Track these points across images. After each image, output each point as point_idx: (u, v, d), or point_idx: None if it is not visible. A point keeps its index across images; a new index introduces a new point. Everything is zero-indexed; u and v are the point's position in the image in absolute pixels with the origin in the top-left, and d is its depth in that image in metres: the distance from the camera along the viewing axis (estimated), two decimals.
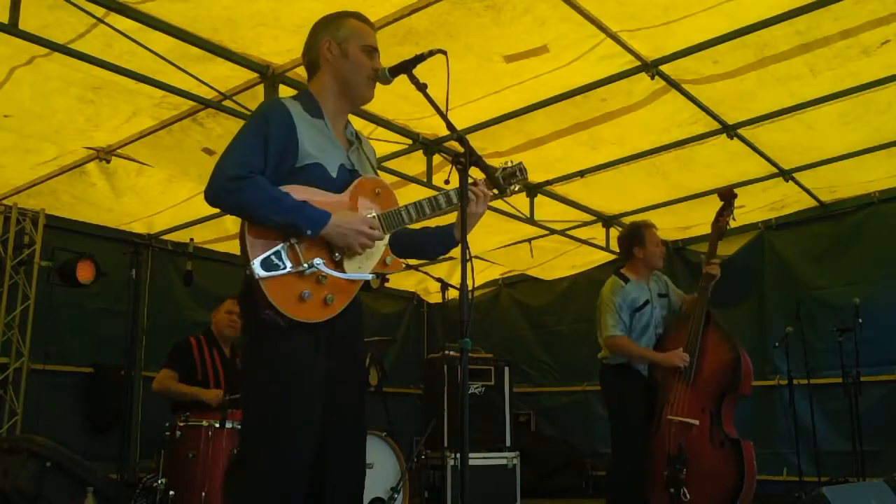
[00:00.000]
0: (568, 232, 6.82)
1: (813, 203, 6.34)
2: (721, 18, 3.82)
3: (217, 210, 2.22)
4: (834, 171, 5.68)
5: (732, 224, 4.38)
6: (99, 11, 3.44)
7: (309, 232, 2.09)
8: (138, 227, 6.25)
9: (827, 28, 3.91)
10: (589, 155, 5.39)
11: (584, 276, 7.83)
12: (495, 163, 2.43)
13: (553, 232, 6.74)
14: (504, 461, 5.89)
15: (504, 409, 6.16)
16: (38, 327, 5.66)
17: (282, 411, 2.09)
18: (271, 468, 2.07)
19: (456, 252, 2.36)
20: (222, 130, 4.53)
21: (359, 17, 2.38)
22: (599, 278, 7.17)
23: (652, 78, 4.29)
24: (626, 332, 4.24)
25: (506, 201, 5.72)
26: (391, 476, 4.78)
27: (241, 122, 4.05)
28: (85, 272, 5.44)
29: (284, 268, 2.09)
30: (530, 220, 6.13)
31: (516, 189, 2.45)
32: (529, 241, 7.15)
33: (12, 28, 3.29)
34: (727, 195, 4.32)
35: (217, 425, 3.88)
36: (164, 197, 5.64)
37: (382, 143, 4.78)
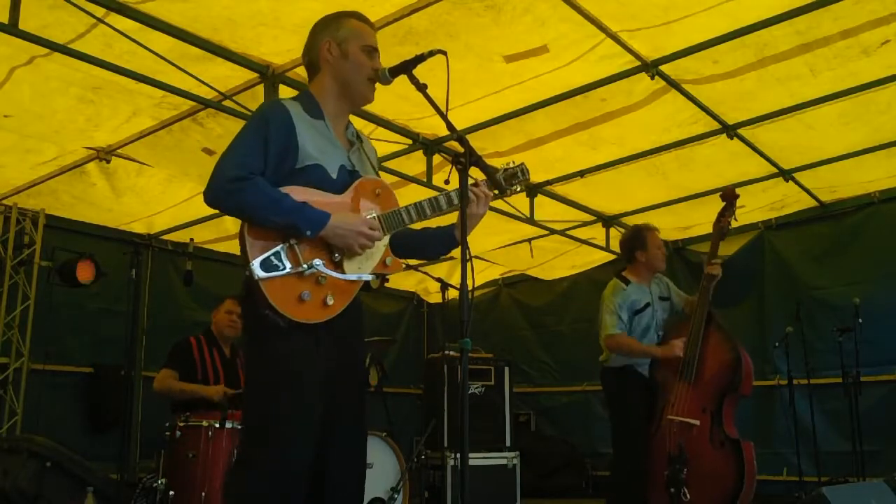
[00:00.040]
0: (568, 232, 6.82)
1: (813, 203, 6.34)
2: (721, 18, 3.82)
3: (217, 210, 2.22)
4: (834, 171, 5.68)
5: (733, 224, 4.38)
6: (99, 11, 3.44)
7: (308, 233, 2.09)
8: (138, 227, 6.25)
9: (827, 28, 3.91)
10: (589, 155, 5.39)
11: (584, 276, 7.83)
12: (495, 163, 2.43)
13: (553, 232, 6.74)
14: (504, 461, 5.89)
15: (504, 409, 6.16)
16: (38, 327, 5.66)
17: (282, 411, 2.10)
18: (271, 468, 2.07)
19: (456, 252, 2.36)
20: (222, 130, 4.53)
21: (359, 17, 2.37)
22: (599, 278, 7.25)
23: (652, 78, 4.29)
24: (625, 331, 4.25)
25: (506, 201, 5.72)
26: (391, 476, 4.78)
27: (241, 122, 4.06)
28: (85, 272, 5.44)
29: (284, 268, 2.09)
30: (530, 220, 6.13)
31: (518, 190, 2.45)
32: (529, 241, 7.15)
33: (12, 28, 3.29)
34: (729, 196, 4.32)
35: (217, 425, 3.88)
36: (164, 197, 5.64)
37: (382, 143, 4.78)
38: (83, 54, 3.61)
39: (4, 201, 5.58)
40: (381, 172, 2.52)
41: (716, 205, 4.41)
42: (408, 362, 8.51)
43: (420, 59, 2.20)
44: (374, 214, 2.27)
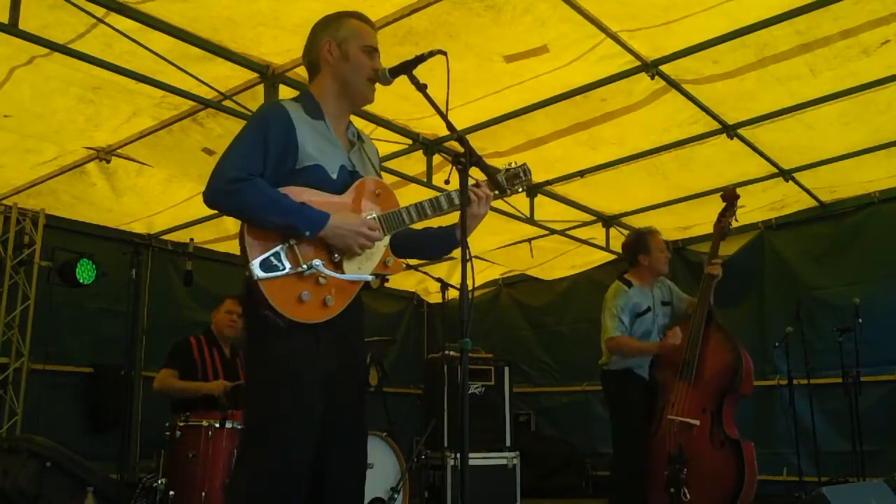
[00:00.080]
0: (568, 232, 6.82)
1: (813, 203, 6.34)
2: (721, 18, 3.82)
3: (216, 211, 2.22)
4: (834, 171, 5.68)
5: (734, 224, 4.38)
6: (99, 11, 3.44)
7: (308, 233, 2.09)
8: (138, 227, 6.25)
9: (827, 28, 3.91)
10: (589, 155, 5.39)
11: (584, 276, 7.84)
12: (495, 163, 2.44)
13: (553, 232, 6.74)
14: (504, 461, 5.89)
15: (504, 409, 6.16)
16: (38, 327, 5.67)
17: (281, 411, 2.09)
18: (271, 468, 2.07)
19: (456, 252, 2.36)
20: (222, 130, 4.53)
21: (359, 16, 2.37)
22: (599, 278, 7.27)
23: (652, 78, 4.29)
24: (625, 333, 4.25)
25: (506, 201, 5.72)
26: (391, 476, 4.78)
27: (241, 122, 4.07)
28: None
29: (284, 269, 2.09)
30: (530, 220, 6.13)
31: (519, 190, 2.45)
32: (529, 241, 7.15)
33: (12, 28, 3.29)
34: (730, 196, 4.32)
35: (217, 425, 3.88)
36: (164, 197, 5.64)
37: (382, 143, 4.78)
38: (83, 54, 3.61)
39: (4, 201, 5.58)
40: (381, 172, 2.51)
41: (716, 205, 4.41)
42: (408, 362, 8.51)
43: (420, 59, 2.20)
44: (375, 215, 2.26)
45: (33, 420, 5.38)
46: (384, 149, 4.92)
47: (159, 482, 3.82)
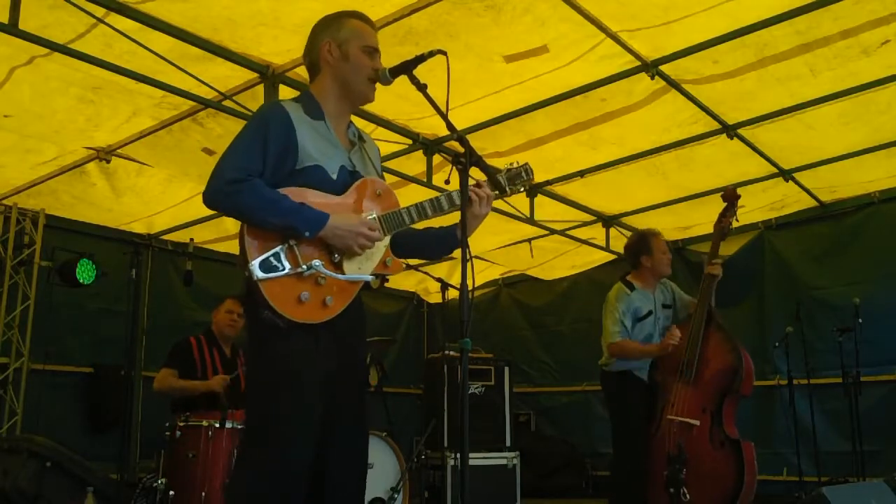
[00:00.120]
0: (568, 232, 6.82)
1: (813, 203, 6.34)
2: (721, 18, 3.82)
3: (216, 212, 2.22)
4: (834, 171, 5.68)
5: (734, 224, 4.38)
6: (99, 11, 3.44)
7: (307, 233, 2.09)
8: (138, 227, 6.25)
9: (827, 28, 3.91)
10: (589, 155, 5.39)
11: (584, 276, 7.84)
12: (495, 163, 2.44)
13: (553, 232, 6.74)
14: (504, 461, 5.89)
15: (504, 409, 6.16)
16: (38, 327, 5.67)
17: (281, 411, 2.10)
18: (271, 468, 2.07)
19: (456, 252, 2.35)
20: (222, 130, 4.53)
21: (359, 16, 2.37)
22: (599, 278, 7.27)
23: (652, 78, 4.29)
24: (627, 337, 4.25)
25: (506, 201, 5.73)
26: (391, 476, 4.78)
27: (241, 123, 4.08)
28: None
29: (283, 269, 2.09)
30: (530, 220, 6.13)
31: (521, 190, 2.44)
32: (529, 241, 7.15)
33: (12, 28, 3.29)
34: (730, 196, 4.31)
35: (217, 425, 3.88)
36: (164, 197, 5.64)
37: (382, 143, 4.77)
38: (83, 54, 3.61)
39: (4, 201, 5.58)
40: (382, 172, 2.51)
41: (716, 205, 4.41)
42: (408, 362, 8.51)
43: (420, 59, 2.20)
44: (375, 215, 2.26)
45: (33, 420, 5.38)
46: (384, 149, 4.92)
47: (159, 482, 3.82)
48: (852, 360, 5.29)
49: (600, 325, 4.40)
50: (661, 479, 3.89)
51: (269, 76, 4.04)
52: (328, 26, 2.33)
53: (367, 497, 2.32)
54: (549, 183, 5.83)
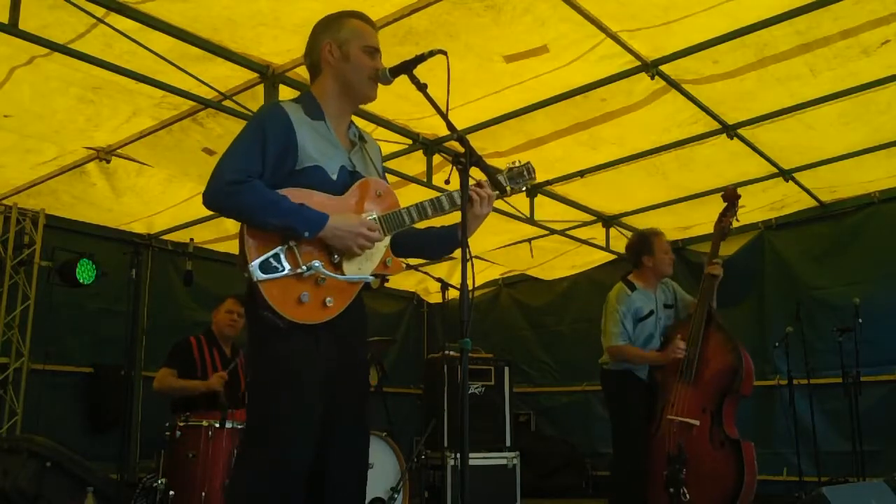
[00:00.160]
0: (568, 232, 6.82)
1: (813, 203, 6.34)
2: (721, 18, 3.82)
3: (216, 213, 2.22)
4: (834, 171, 5.68)
5: (734, 224, 4.38)
6: (99, 11, 3.44)
7: (306, 234, 2.09)
8: (138, 227, 6.25)
9: (827, 28, 3.91)
10: (589, 155, 5.39)
11: (584, 276, 7.84)
12: (496, 163, 2.44)
13: (553, 232, 6.74)
14: (504, 461, 5.89)
15: (504, 409, 6.16)
16: (38, 327, 5.66)
17: (281, 411, 2.10)
18: (271, 468, 2.07)
19: (456, 252, 2.36)
20: (222, 130, 4.53)
21: (360, 16, 2.37)
22: (599, 278, 7.27)
23: (652, 78, 4.29)
24: (628, 341, 4.24)
25: (506, 201, 5.72)
26: (391, 476, 4.78)
27: (241, 123, 4.08)
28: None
29: (283, 270, 2.09)
30: (530, 220, 6.13)
31: (523, 189, 2.44)
32: (529, 241, 7.15)
33: (12, 28, 3.29)
34: (731, 196, 4.31)
35: (217, 425, 3.88)
36: (164, 197, 5.64)
37: (382, 143, 4.72)
38: (83, 54, 3.61)
39: (4, 201, 5.58)
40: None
41: (716, 205, 4.41)
42: (408, 362, 8.51)
43: (420, 59, 2.20)
44: (375, 215, 2.26)
45: (33, 420, 5.38)
46: (384, 149, 4.89)
47: (159, 482, 3.82)
48: (852, 360, 5.28)
49: (600, 324, 4.39)
50: (660, 479, 3.89)
51: (269, 76, 4.04)
52: (328, 27, 2.33)
53: (368, 497, 2.32)
54: (549, 183, 5.83)
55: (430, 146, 5.06)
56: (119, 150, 4.87)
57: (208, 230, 6.22)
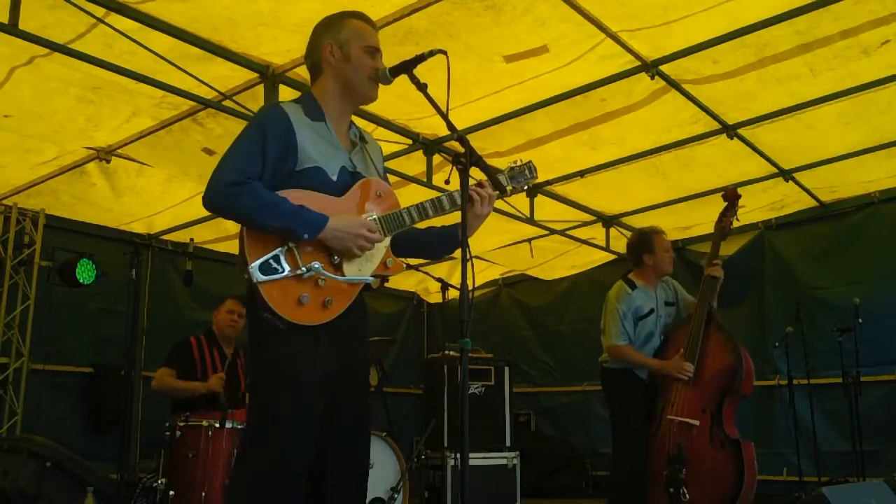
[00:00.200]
0: (568, 232, 6.82)
1: (813, 203, 6.34)
2: (721, 18, 3.82)
3: (216, 214, 2.22)
4: (834, 171, 5.68)
5: (735, 224, 4.38)
6: (99, 11, 3.44)
7: (306, 236, 2.09)
8: (138, 227, 6.25)
9: (827, 28, 3.91)
10: (589, 155, 5.39)
11: (584, 276, 7.84)
12: (496, 163, 2.43)
13: (553, 232, 6.74)
14: (504, 461, 5.89)
15: (504, 409, 6.16)
16: (38, 327, 5.66)
17: (281, 411, 2.10)
18: (271, 468, 2.07)
19: (456, 252, 2.35)
20: (222, 130, 4.53)
21: (360, 16, 2.37)
22: (599, 278, 7.27)
23: (652, 78, 4.29)
24: (628, 341, 4.24)
25: (506, 201, 5.73)
26: (391, 476, 4.78)
27: (241, 122, 4.09)
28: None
29: (283, 271, 2.09)
30: (530, 220, 6.13)
31: (525, 188, 2.44)
32: (529, 241, 7.15)
33: (12, 28, 3.29)
34: (731, 196, 4.31)
35: (217, 425, 3.88)
36: (164, 197, 5.64)
37: (382, 143, 4.73)
38: (83, 54, 3.61)
39: (4, 201, 5.58)
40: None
41: (716, 205, 4.40)
42: (408, 362, 8.51)
43: (420, 58, 2.20)
44: (375, 216, 2.26)
45: (33, 420, 5.38)
46: (384, 149, 4.90)
47: (159, 482, 3.82)
48: (852, 360, 5.28)
49: (602, 326, 4.39)
50: (660, 479, 3.89)
51: (269, 76, 4.04)
52: (329, 27, 2.33)
53: (368, 497, 2.32)
54: (549, 183, 5.83)
55: (430, 146, 5.06)
56: (119, 150, 4.87)
57: (208, 230, 6.22)
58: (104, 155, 4.87)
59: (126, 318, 5.00)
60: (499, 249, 7.32)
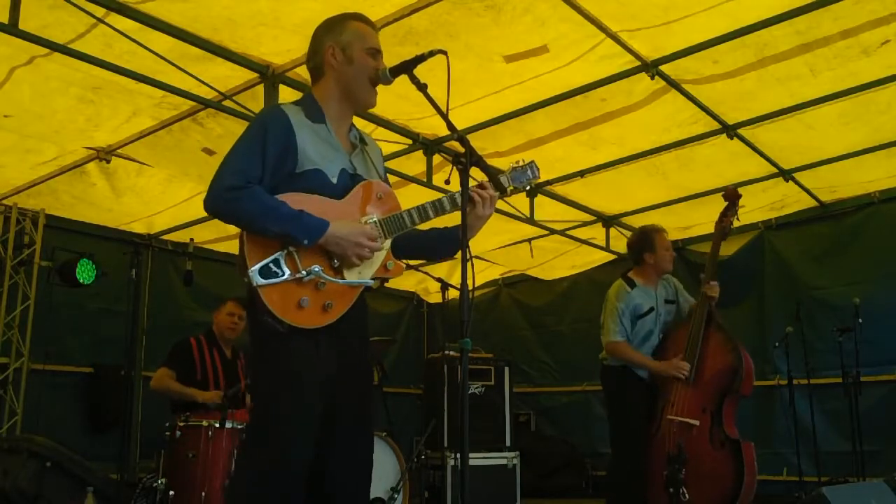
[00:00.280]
0: (568, 232, 6.82)
1: (813, 203, 6.34)
2: (721, 18, 3.82)
3: (217, 219, 2.21)
4: (834, 171, 5.68)
5: (735, 224, 4.37)
6: (99, 11, 3.44)
7: (306, 241, 2.09)
8: (138, 227, 6.25)
9: (827, 28, 3.91)
10: (589, 155, 5.40)
11: (584, 276, 7.84)
12: (496, 163, 2.43)
13: (553, 232, 6.74)
14: (504, 461, 5.89)
15: (504, 409, 6.16)
16: (38, 327, 5.66)
17: (281, 412, 2.10)
18: (271, 468, 2.07)
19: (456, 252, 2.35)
20: (222, 130, 4.53)
21: (361, 18, 2.36)
22: (599, 278, 7.27)
23: (652, 78, 4.29)
24: (626, 338, 4.24)
25: (506, 201, 5.73)
26: (391, 476, 4.78)
27: (240, 122, 4.09)
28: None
29: (283, 275, 2.08)
30: (530, 220, 6.13)
31: (527, 188, 2.44)
32: (529, 241, 7.15)
33: (12, 28, 3.29)
34: (731, 196, 4.31)
35: (217, 425, 3.88)
36: (164, 197, 5.64)
37: (382, 143, 4.74)
38: (83, 54, 3.61)
39: (4, 201, 5.58)
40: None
41: (716, 205, 4.40)
42: (408, 362, 8.51)
43: (420, 59, 2.20)
44: (375, 218, 2.25)
45: (33, 420, 5.38)
46: (384, 149, 4.89)
47: (159, 482, 3.82)
48: (852, 360, 5.28)
49: (601, 323, 4.39)
50: (660, 479, 3.89)
51: (269, 76, 4.04)
52: (331, 30, 2.32)
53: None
54: (549, 183, 5.83)
55: (430, 146, 5.06)
56: (119, 150, 4.87)
57: (208, 230, 6.22)
58: (104, 155, 4.87)
59: (126, 318, 5.00)
60: (499, 249, 7.32)
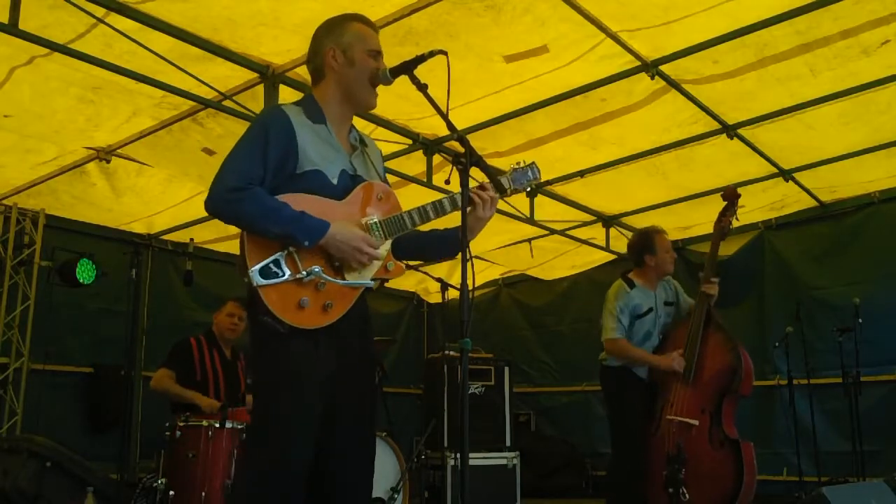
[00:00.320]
0: (568, 232, 6.82)
1: (813, 203, 6.34)
2: (721, 18, 3.83)
3: (218, 220, 2.22)
4: (834, 171, 5.68)
5: (734, 224, 4.37)
6: (99, 11, 3.44)
7: (306, 243, 2.09)
8: (138, 227, 6.25)
9: (827, 28, 3.91)
10: (589, 155, 5.40)
11: (584, 276, 7.84)
12: (496, 163, 2.44)
13: (553, 232, 6.74)
14: (504, 461, 5.89)
15: (504, 409, 6.16)
16: (38, 327, 5.67)
17: (281, 412, 2.10)
18: (271, 468, 2.07)
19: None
20: (222, 130, 4.53)
21: (361, 19, 2.36)
22: (599, 278, 7.27)
23: (652, 78, 4.29)
24: (625, 336, 4.24)
25: (506, 201, 5.72)
26: (391, 476, 4.78)
27: (241, 122, 4.09)
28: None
29: (283, 276, 2.09)
30: (530, 220, 6.13)
31: (527, 189, 2.44)
32: (529, 241, 7.15)
33: (12, 28, 3.29)
34: (731, 195, 4.31)
35: (217, 425, 3.87)
36: (164, 197, 5.64)
37: (382, 143, 4.76)
38: (83, 54, 3.61)
39: (4, 201, 5.58)
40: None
41: (716, 205, 4.40)
42: (408, 362, 8.51)
43: (421, 59, 2.20)
44: (376, 220, 2.25)
45: (33, 420, 5.38)
46: (384, 149, 4.89)
47: (159, 482, 3.81)
48: (852, 360, 5.28)
49: (600, 324, 4.39)
50: (660, 479, 3.89)
51: (269, 76, 4.04)
52: (331, 31, 2.32)
53: None
54: (549, 183, 5.83)
55: (430, 146, 5.06)
56: (119, 150, 4.87)
57: (208, 230, 6.22)
58: (104, 155, 4.87)
59: (126, 318, 5.00)
60: (499, 249, 7.32)
